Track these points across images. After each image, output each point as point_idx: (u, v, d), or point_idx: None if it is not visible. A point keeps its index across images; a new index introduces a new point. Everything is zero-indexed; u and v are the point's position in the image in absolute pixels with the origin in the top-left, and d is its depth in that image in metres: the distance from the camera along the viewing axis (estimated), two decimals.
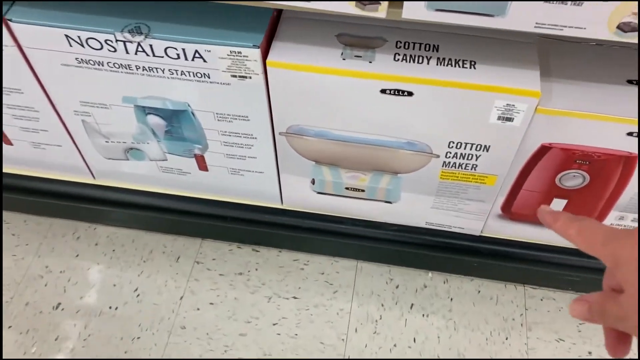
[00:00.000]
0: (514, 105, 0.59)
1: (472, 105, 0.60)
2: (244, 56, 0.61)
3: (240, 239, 0.98)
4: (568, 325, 0.86)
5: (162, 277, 0.94)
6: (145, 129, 0.75)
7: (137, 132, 0.76)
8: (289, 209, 0.86)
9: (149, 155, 0.80)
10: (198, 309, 0.90)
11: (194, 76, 0.65)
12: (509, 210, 0.75)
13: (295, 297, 0.91)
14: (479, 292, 0.89)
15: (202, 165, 0.80)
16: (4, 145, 0.84)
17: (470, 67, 0.59)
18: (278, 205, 0.86)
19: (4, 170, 0.90)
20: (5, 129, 0.80)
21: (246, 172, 0.80)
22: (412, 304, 0.89)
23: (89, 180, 0.89)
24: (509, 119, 0.61)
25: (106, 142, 0.79)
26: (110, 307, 0.90)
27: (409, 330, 0.86)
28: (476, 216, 0.77)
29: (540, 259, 0.81)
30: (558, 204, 0.72)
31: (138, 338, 0.87)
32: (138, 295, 0.92)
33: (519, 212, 0.74)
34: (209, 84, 0.65)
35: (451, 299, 0.89)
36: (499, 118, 0.61)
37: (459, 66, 0.59)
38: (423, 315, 0.88)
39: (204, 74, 0.64)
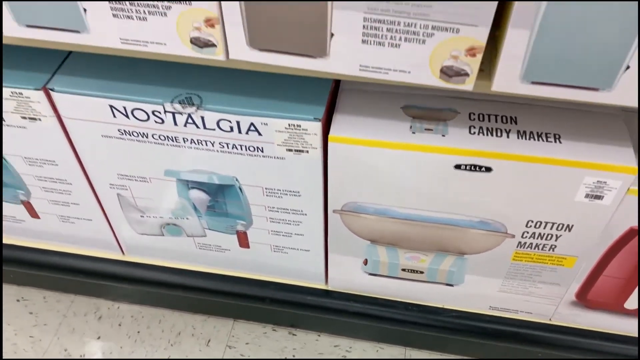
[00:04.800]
0: (605, 182, 0.53)
1: (557, 182, 0.54)
2: (303, 129, 0.56)
3: (276, 321, 0.90)
4: None
5: None
6: (186, 204, 0.69)
7: (177, 207, 0.70)
8: (335, 290, 0.79)
9: (187, 231, 0.74)
10: None
11: (245, 150, 0.60)
12: (584, 297, 0.68)
13: None
14: None
15: (244, 242, 0.74)
16: (30, 219, 0.79)
17: (555, 141, 0.54)
18: (322, 286, 0.79)
19: (26, 244, 0.84)
20: (33, 201, 0.75)
21: (290, 250, 0.74)
22: None
23: (117, 256, 0.83)
24: (598, 197, 0.55)
25: (141, 216, 0.73)
26: None
27: None
28: (549, 300, 0.69)
29: (617, 351, 0.72)
30: None
31: None
32: None
33: (596, 299, 0.67)
34: (261, 158, 0.60)
35: None
36: (586, 196, 0.55)
37: (542, 140, 0.54)
38: None
39: (257, 147, 0.59)
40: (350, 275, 0.74)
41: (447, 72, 0.44)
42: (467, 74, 0.44)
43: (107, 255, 0.83)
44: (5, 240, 0.84)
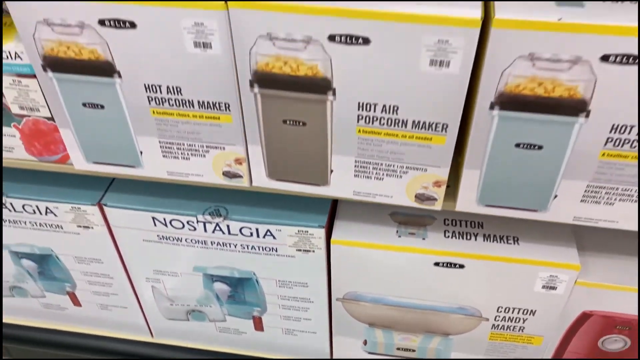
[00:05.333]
0: (557, 276, 0.65)
1: (518, 276, 0.66)
2: (309, 234, 0.69)
3: None
4: None
5: None
6: (210, 294, 0.81)
7: (202, 297, 0.82)
8: None
9: (209, 317, 0.85)
10: None
11: (262, 250, 0.72)
12: None
13: None
14: None
15: (259, 326, 0.85)
16: (72, 307, 0.90)
17: (514, 243, 0.66)
18: None
19: (66, 328, 0.95)
20: (77, 292, 0.87)
21: (300, 333, 0.85)
22: None
23: (146, 338, 0.94)
24: (553, 288, 0.67)
25: (170, 304, 0.85)
26: None
27: None
28: None
29: None
30: None
31: None
32: None
33: None
34: (275, 257, 0.73)
35: None
36: (543, 287, 0.67)
37: (504, 242, 0.67)
38: None
39: (272, 248, 0.72)
40: (352, 354, 0.85)
41: (420, 197, 0.58)
42: (435, 199, 0.57)
43: (138, 338, 0.94)
44: (47, 326, 0.96)
